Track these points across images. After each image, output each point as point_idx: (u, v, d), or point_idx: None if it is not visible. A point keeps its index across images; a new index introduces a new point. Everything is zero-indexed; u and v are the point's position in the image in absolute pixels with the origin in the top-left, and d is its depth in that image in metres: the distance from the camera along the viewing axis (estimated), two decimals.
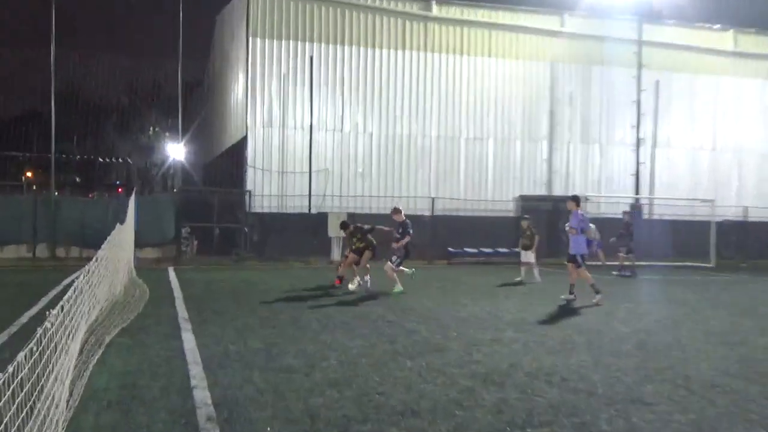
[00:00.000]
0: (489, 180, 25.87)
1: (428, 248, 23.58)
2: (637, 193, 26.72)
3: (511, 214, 25.35)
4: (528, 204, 25.54)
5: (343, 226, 15.43)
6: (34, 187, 45.19)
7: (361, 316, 11.14)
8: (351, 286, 14.65)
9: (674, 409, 6.19)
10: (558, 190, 26.61)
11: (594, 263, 21.20)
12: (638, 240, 23.16)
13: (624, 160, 27.47)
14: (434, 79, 25.23)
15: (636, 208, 26.01)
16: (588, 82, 27.07)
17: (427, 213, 24.12)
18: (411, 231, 14.61)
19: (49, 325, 4.59)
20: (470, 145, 25.67)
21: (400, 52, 24.83)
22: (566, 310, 12.36)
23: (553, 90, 26.68)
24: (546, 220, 25.54)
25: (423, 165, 25.07)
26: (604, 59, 26.90)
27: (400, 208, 15.09)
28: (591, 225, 21.04)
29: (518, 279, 17.54)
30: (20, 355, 3.61)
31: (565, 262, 14.12)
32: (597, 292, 13.30)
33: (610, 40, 26.75)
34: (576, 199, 14.24)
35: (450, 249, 23.40)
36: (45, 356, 4.40)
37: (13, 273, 17.17)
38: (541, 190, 26.40)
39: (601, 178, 27.34)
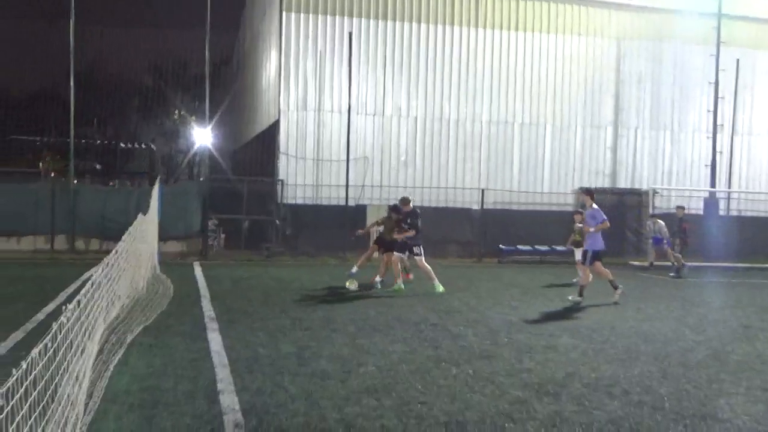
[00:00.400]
0: (545, 170, 25.65)
1: (477, 245, 23.53)
2: (712, 186, 26.23)
3: (570, 208, 25.03)
4: None
5: (399, 207, 15.36)
6: (52, 175, 46.20)
7: (402, 318, 11.19)
8: (350, 286, 14.65)
9: (751, 427, 6.10)
10: (623, 182, 26.27)
11: (663, 263, 20.99)
12: (713, 239, 22.83)
13: (698, 149, 26.97)
14: (485, 59, 25.06)
15: (711, 202, 25.54)
16: (659, 60, 26.61)
17: (476, 206, 24.03)
18: (420, 222, 14.97)
19: (65, 321, 4.73)
20: (525, 132, 25.47)
21: (448, 28, 24.72)
22: (629, 316, 12.22)
23: (619, 70, 26.30)
24: (609, 215, 25.23)
25: (472, 153, 24.96)
26: (677, 35, 26.41)
27: (409, 197, 15.57)
28: (659, 221, 20.88)
29: (575, 280, 17.41)
30: (34, 351, 3.73)
31: (589, 263, 14.05)
32: (580, 295, 13.68)
33: (685, 13, 26.25)
34: (590, 192, 14.55)
35: (501, 246, 23.28)
36: (60, 354, 4.53)
37: (30, 266, 17.61)
38: (603, 182, 26.08)
39: (672, 168, 26.90)
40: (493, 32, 25.05)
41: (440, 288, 14.42)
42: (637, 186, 26.24)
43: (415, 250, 14.79)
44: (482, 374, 7.69)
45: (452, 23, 24.73)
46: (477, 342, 9.44)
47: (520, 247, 23.35)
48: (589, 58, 25.91)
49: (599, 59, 26.01)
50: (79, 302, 5.37)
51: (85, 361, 5.94)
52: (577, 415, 6.29)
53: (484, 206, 23.90)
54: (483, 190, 24.02)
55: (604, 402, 6.73)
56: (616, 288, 13.76)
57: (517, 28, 25.25)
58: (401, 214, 15.18)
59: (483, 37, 24.96)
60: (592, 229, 13.81)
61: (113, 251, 8.75)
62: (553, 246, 23.15)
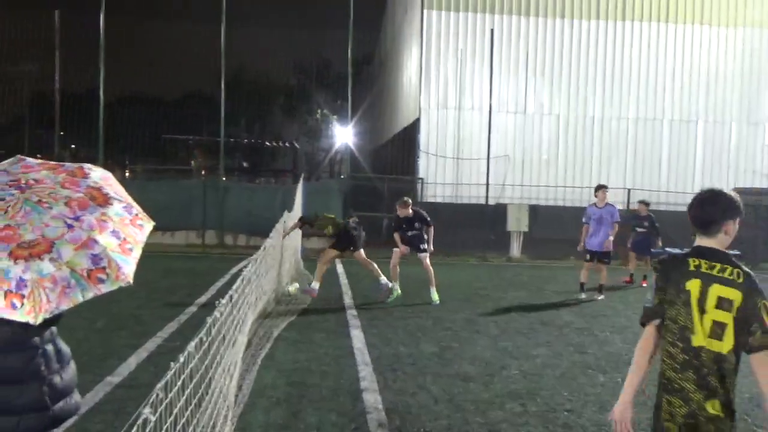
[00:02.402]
0: (697, 169, 24.40)
1: (624, 247, 22.67)
2: None
3: None
4: (745, 198, 23.63)
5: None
6: (203, 172, 48.48)
7: (545, 321, 10.91)
8: (291, 288, 12.76)
9: None
10: None
11: None
12: None
13: None
14: (633, 53, 24.11)
15: None
16: None
17: (622, 206, 23.15)
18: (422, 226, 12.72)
19: (218, 315, 4.87)
20: (675, 129, 24.32)
21: (593, 23, 23.97)
22: None
23: None
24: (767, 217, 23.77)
25: (618, 152, 24.09)
26: None
27: (408, 200, 12.98)
28: None
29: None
30: (190, 345, 3.84)
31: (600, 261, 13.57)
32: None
33: None
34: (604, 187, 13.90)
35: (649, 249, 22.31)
36: (213, 347, 4.67)
37: (183, 259, 18.48)
38: (761, 182, 24.51)
39: None
40: (641, 25, 24.06)
41: (398, 292, 12.46)
42: None
43: (422, 246, 12.67)
44: None
45: (597, 17, 23.95)
46: (625, 349, 9.04)
47: (668, 249, 22.28)
48: (746, 50, 24.41)
49: (757, 52, 24.45)
50: (231, 297, 5.52)
51: (235, 354, 6.11)
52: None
53: (630, 207, 23.02)
54: (629, 190, 23.15)
55: None
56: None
57: (666, 20, 24.14)
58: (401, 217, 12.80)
59: (630, 31, 24.03)
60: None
61: (261, 247, 8.98)
62: None
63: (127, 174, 45.16)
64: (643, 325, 3.53)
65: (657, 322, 3.45)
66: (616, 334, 10.01)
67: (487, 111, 23.25)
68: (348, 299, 12.46)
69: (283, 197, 21.07)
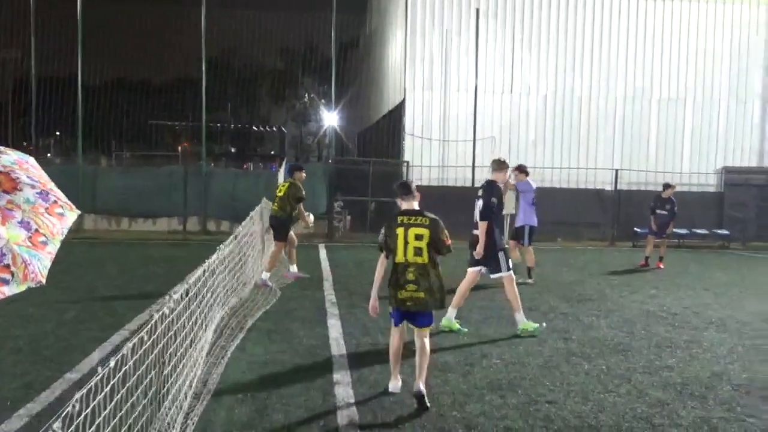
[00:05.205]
0: (685, 149, 24.10)
1: (610, 228, 22.45)
2: None
3: (712, 189, 23.54)
4: (734, 177, 23.58)
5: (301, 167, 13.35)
6: (182, 156, 48.02)
7: (530, 306, 10.57)
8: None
9: None
10: None
11: None
12: None
13: None
14: (620, 29, 23.70)
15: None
16: None
17: (609, 187, 22.89)
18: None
19: (167, 311, 4.65)
20: (663, 107, 23.99)
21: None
22: None
23: None
24: (758, 196, 23.55)
25: (605, 131, 23.76)
26: None
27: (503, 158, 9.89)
28: None
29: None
30: (126, 347, 3.55)
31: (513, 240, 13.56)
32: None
33: None
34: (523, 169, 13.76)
35: (636, 229, 22.06)
36: (158, 346, 4.43)
37: (164, 247, 18.10)
38: (750, 161, 24.26)
39: None
40: (629, 1, 23.67)
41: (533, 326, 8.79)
42: None
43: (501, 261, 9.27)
44: (617, 371, 7.08)
45: None
46: (611, 334, 8.77)
47: (676, 230, 21.94)
48: (735, 26, 24.04)
49: (746, 27, 24.10)
50: (187, 291, 5.23)
51: (194, 352, 5.80)
52: (727, 423, 5.62)
53: (618, 187, 22.75)
54: (617, 171, 22.86)
55: (759, 408, 6.00)
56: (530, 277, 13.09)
57: None
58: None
59: (617, 5, 23.62)
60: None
61: (233, 236, 8.66)
62: (693, 229, 21.80)
63: (113, 161, 44.64)
64: (380, 250, 6.34)
65: (384, 251, 6.27)
66: (602, 319, 9.73)
67: (473, 92, 22.89)
68: (328, 286, 12.13)
69: (267, 182, 20.71)
